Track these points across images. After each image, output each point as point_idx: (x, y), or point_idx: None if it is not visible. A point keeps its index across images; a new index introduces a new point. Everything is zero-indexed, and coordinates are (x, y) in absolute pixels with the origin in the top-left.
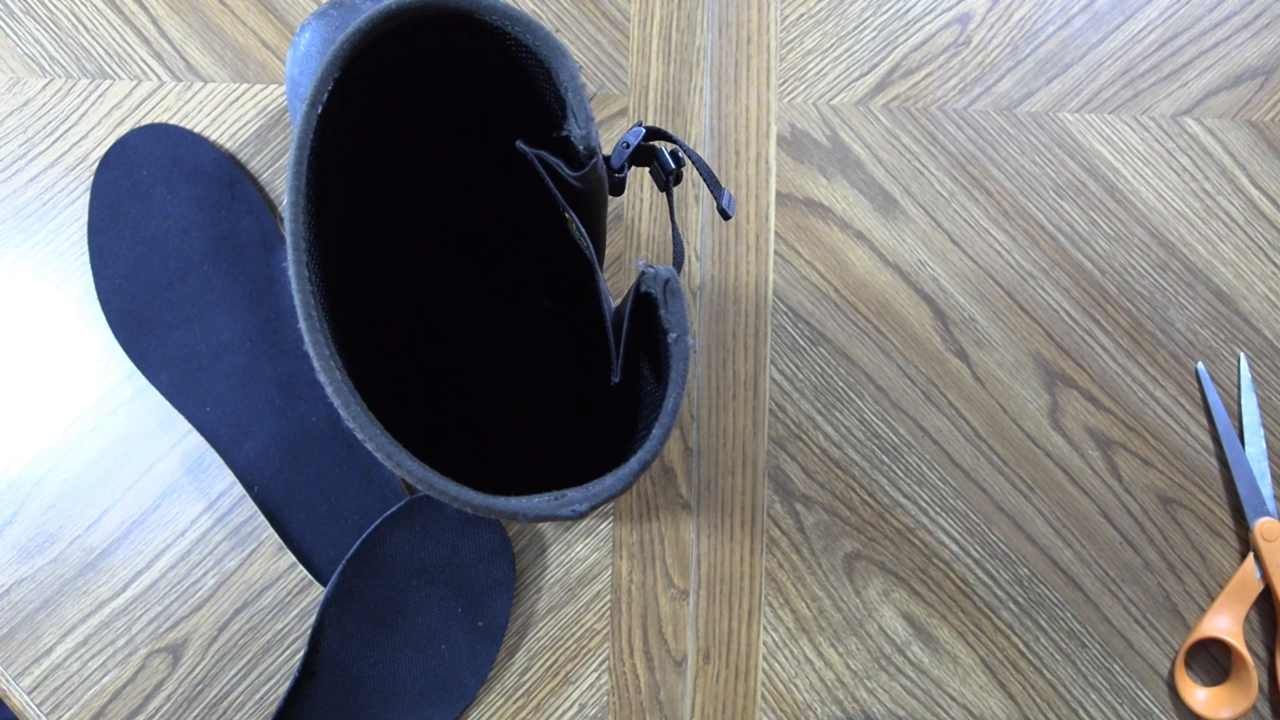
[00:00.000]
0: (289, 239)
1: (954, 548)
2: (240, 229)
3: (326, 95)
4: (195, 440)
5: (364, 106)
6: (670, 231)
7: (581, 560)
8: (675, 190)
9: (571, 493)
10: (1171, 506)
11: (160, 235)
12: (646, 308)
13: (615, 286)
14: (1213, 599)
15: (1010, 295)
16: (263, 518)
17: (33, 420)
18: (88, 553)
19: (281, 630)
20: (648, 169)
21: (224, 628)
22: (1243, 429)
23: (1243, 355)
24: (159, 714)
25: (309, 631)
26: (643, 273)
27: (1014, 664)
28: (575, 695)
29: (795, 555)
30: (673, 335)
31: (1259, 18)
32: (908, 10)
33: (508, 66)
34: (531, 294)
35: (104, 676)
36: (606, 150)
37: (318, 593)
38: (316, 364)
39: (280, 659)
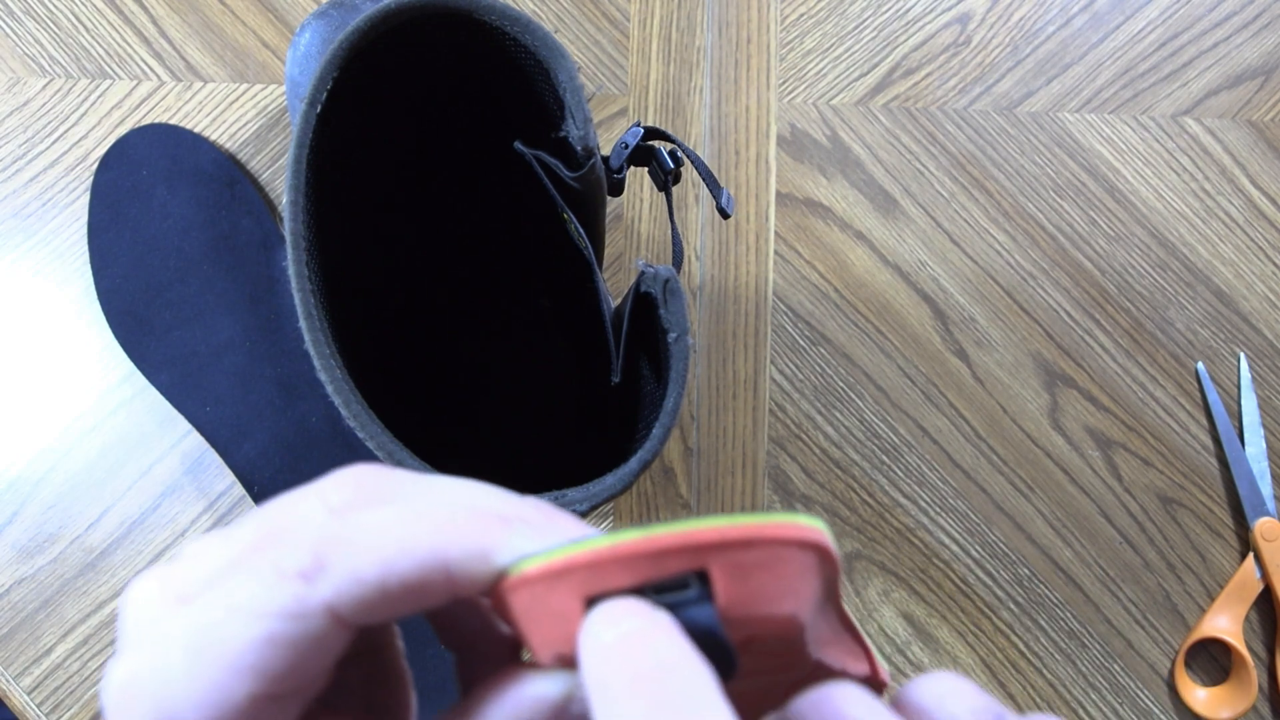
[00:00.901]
0: (289, 238)
1: (954, 548)
2: (240, 229)
3: (325, 95)
4: (195, 440)
5: (363, 106)
6: (670, 231)
7: None
8: (675, 190)
9: (571, 493)
10: (1171, 506)
11: (160, 235)
12: (646, 307)
13: (615, 286)
14: (1213, 599)
15: (1010, 295)
16: None
17: (33, 420)
18: (88, 553)
19: None
20: (646, 169)
21: None
22: (1243, 429)
23: (1243, 355)
24: None
25: None
26: (642, 272)
27: (1014, 664)
28: None
29: None
30: (673, 335)
31: (1259, 18)
32: (908, 10)
33: (506, 67)
34: (531, 294)
35: (104, 677)
36: (606, 150)
37: None
38: (317, 363)
39: None
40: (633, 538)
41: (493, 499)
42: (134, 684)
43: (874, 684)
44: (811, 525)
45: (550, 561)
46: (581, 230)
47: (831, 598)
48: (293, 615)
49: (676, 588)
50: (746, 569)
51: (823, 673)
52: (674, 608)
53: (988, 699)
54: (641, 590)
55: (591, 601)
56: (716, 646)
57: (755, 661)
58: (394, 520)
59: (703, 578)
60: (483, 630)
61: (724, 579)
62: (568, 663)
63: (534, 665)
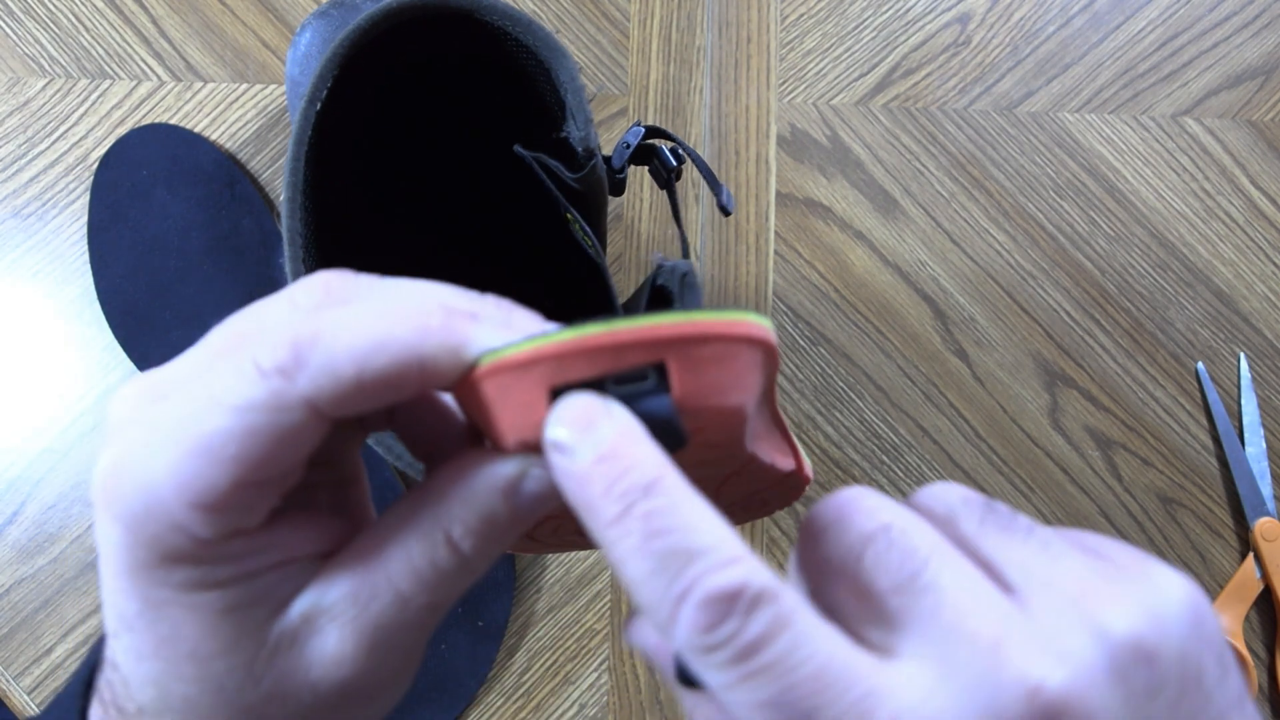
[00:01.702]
0: (286, 236)
1: None
2: (240, 229)
3: (325, 93)
4: None
5: (363, 105)
6: (672, 231)
7: (581, 560)
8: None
9: None
10: (1171, 506)
11: (160, 235)
12: (662, 302)
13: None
14: (1213, 599)
15: (1010, 295)
16: None
17: (33, 421)
18: (88, 552)
19: None
20: (647, 168)
21: None
22: (1243, 429)
23: (1243, 355)
24: None
25: None
26: (659, 266)
27: None
28: (575, 695)
29: None
30: None
31: (1259, 18)
32: (908, 10)
33: (507, 67)
34: (534, 294)
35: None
36: (606, 150)
37: None
38: None
39: None
40: (595, 331)
41: (456, 296)
42: (120, 469)
43: (799, 479)
44: (759, 322)
45: (519, 353)
46: (587, 229)
47: (768, 394)
48: (272, 408)
49: (635, 379)
50: (700, 363)
51: (755, 466)
52: (633, 398)
53: (982, 496)
54: (602, 381)
55: (555, 392)
56: (671, 432)
57: (700, 453)
58: (368, 316)
59: (660, 370)
60: (447, 433)
61: (679, 372)
62: (530, 448)
63: (492, 451)
